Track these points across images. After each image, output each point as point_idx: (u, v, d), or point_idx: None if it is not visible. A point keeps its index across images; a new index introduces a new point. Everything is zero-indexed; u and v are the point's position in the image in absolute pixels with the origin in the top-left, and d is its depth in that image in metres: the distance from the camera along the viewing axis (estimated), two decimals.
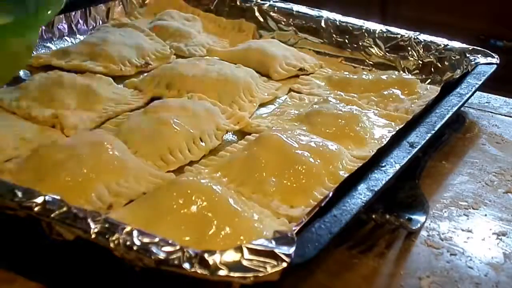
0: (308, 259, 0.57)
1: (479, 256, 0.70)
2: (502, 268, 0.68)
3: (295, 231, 0.58)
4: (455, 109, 0.92)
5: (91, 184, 0.73)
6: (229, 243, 0.61)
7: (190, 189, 0.68)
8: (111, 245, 0.55)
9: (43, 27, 1.18)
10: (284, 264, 0.53)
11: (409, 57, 1.20)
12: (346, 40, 1.25)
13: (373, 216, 0.71)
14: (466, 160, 0.91)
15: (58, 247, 0.60)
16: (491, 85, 1.05)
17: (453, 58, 1.14)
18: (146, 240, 0.55)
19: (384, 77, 1.10)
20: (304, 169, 0.78)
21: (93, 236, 0.56)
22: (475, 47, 1.14)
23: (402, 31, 1.22)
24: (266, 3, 1.35)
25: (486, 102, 1.11)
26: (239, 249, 0.54)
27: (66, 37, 1.23)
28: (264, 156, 0.79)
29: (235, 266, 0.53)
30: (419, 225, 0.72)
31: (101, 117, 0.94)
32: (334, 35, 1.27)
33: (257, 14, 1.35)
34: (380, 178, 0.72)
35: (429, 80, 1.16)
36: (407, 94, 1.06)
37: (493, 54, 1.11)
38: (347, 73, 1.16)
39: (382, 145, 0.79)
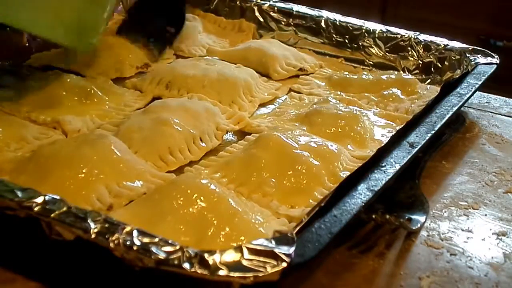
0: (308, 259, 0.57)
1: (479, 256, 0.70)
2: (502, 268, 0.68)
3: (295, 231, 0.58)
4: (455, 109, 0.92)
5: (91, 185, 0.72)
6: (229, 243, 0.61)
7: (190, 189, 0.68)
8: (111, 245, 0.55)
9: None
10: (284, 264, 0.53)
11: (409, 57, 1.20)
12: (346, 40, 1.25)
13: (373, 216, 0.71)
14: (466, 160, 0.91)
15: (58, 247, 0.60)
16: (491, 85, 1.05)
17: (453, 58, 1.14)
18: (146, 240, 0.55)
19: (384, 77, 1.10)
20: (304, 169, 0.78)
21: (93, 236, 0.56)
22: (475, 47, 1.14)
23: (402, 31, 1.22)
24: (266, 3, 1.35)
25: (486, 102, 1.11)
26: (239, 249, 0.54)
27: None
28: (264, 156, 0.79)
29: (235, 266, 0.53)
30: (419, 225, 0.72)
31: (101, 118, 0.93)
32: (334, 35, 1.27)
33: (257, 14, 1.35)
34: (380, 178, 0.72)
35: (429, 80, 1.16)
36: (407, 94, 1.06)
37: (493, 54, 1.11)
38: (347, 73, 1.15)
39: (382, 145, 0.79)
